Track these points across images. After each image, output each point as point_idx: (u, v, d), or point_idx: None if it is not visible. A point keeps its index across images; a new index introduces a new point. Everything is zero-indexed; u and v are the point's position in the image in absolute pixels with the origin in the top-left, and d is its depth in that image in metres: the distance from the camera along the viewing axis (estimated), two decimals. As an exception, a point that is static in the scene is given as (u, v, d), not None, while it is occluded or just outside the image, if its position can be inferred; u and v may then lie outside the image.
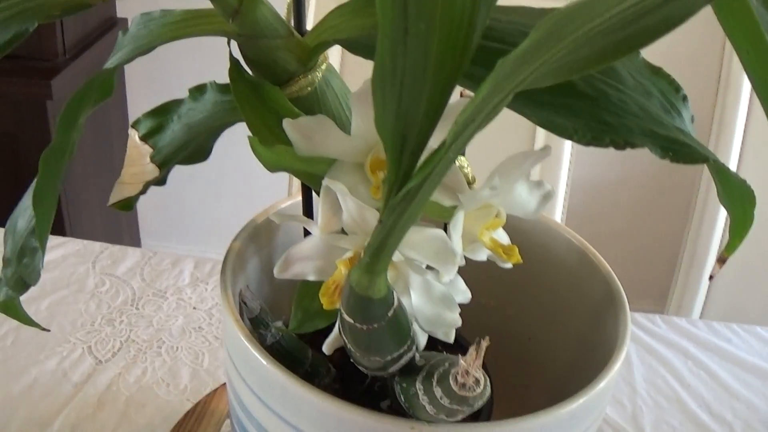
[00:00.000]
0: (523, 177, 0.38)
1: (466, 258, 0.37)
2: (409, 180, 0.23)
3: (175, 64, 1.70)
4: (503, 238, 0.39)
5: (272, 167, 0.36)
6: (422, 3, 0.20)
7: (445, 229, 0.36)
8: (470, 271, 0.50)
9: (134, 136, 0.46)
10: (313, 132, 0.35)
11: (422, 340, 0.35)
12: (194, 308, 0.74)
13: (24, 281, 0.44)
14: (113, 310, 0.73)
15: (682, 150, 0.34)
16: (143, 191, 0.44)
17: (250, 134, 0.36)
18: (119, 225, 1.78)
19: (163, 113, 0.46)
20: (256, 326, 0.41)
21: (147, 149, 0.46)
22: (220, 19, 0.38)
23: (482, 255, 0.38)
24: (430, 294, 0.34)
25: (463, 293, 0.40)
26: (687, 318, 0.78)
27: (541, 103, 0.33)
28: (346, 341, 0.30)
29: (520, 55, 0.19)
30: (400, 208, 0.24)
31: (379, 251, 0.25)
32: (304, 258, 0.37)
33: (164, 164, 0.44)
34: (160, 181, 0.44)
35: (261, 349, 0.37)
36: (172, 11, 0.40)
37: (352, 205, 0.34)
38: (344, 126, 0.40)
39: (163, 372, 0.67)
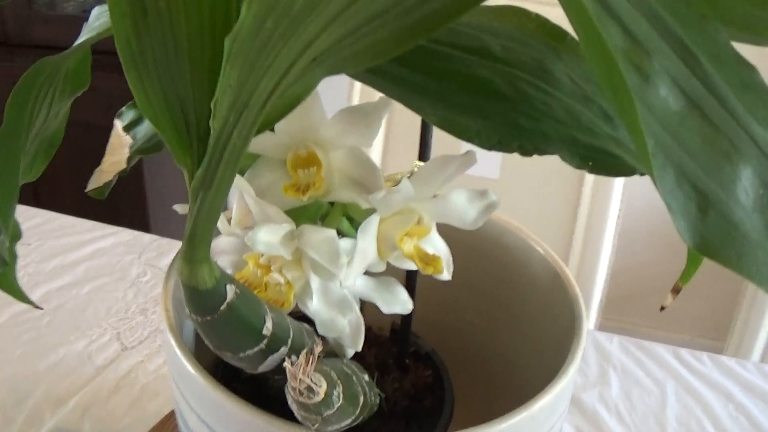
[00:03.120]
0: (465, 187, 0.36)
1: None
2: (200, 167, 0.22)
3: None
4: (439, 248, 0.37)
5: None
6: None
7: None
8: (456, 289, 0.48)
9: (118, 126, 0.47)
10: (233, 125, 0.35)
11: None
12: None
13: (2, 258, 0.45)
14: (149, 300, 0.75)
15: (606, 161, 0.31)
16: (114, 180, 0.45)
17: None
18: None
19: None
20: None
21: (128, 140, 0.47)
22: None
23: (406, 263, 0.36)
24: (328, 297, 0.33)
25: (403, 303, 0.39)
26: (738, 359, 0.72)
27: (451, 103, 0.31)
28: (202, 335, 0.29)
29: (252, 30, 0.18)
30: (202, 195, 0.23)
31: (191, 239, 0.24)
32: (222, 252, 0.36)
33: (134, 155, 0.45)
34: (124, 171, 0.44)
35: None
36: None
37: (250, 201, 0.33)
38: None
39: (179, 363, 0.68)
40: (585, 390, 0.69)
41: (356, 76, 0.32)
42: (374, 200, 0.33)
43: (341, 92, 1.02)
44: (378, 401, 0.36)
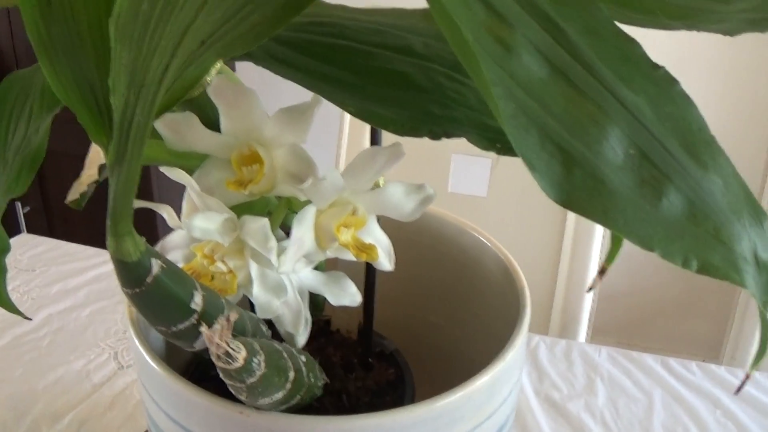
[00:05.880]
0: (403, 181, 0.38)
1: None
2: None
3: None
4: (380, 239, 0.39)
5: (144, 160, 0.38)
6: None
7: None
8: (420, 292, 0.50)
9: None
10: (180, 127, 0.37)
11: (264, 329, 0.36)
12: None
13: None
14: (147, 321, 0.77)
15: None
16: (89, 192, 0.48)
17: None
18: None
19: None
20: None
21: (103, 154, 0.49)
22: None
23: (345, 253, 0.38)
24: (265, 282, 0.35)
25: (351, 296, 0.41)
26: (727, 367, 0.72)
27: (369, 95, 0.33)
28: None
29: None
30: (117, 171, 0.25)
31: (114, 214, 0.26)
32: (175, 247, 0.39)
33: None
34: (97, 181, 0.47)
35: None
36: None
37: (193, 194, 0.35)
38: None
39: (172, 380, 0.70)
40: (571, 400, 0.69)
41: (284, 74, 0.34)
42: (305, 189, 0.35)
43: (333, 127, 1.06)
44: (321, 384, 0.37)
